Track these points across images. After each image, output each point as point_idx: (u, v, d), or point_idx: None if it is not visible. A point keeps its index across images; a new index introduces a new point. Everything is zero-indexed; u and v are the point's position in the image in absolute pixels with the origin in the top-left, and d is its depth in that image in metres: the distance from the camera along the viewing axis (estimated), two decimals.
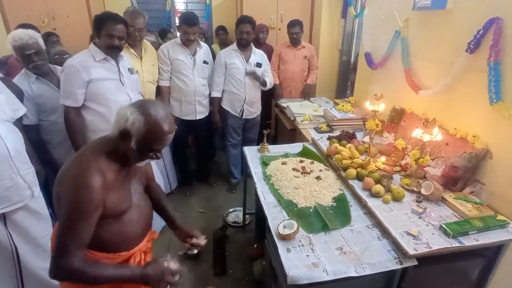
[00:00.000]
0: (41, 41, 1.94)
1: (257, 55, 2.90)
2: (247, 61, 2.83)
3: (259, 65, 2.88)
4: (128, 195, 1.14)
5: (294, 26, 3.26)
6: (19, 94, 1.80)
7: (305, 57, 3.42)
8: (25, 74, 1.96)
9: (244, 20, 2.73)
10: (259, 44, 3.66)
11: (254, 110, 3.02)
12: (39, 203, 1.67)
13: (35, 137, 1.91)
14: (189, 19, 2.55)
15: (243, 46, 2.79)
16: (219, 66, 2.79)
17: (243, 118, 2.97)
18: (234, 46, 2.85)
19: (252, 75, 2.82)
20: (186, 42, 2.61)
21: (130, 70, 2.05)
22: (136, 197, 1.17)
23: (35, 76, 1.96)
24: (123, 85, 1.96)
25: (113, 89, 1.92)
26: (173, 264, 1.10)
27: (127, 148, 1.03)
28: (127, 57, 2.21)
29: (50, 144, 2.07)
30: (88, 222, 0.97)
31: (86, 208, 0.96)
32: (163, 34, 3.62)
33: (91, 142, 1.15)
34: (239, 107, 2.92)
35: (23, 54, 1.88)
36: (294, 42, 3.34)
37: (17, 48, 1.86)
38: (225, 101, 2.92)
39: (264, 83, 2.92)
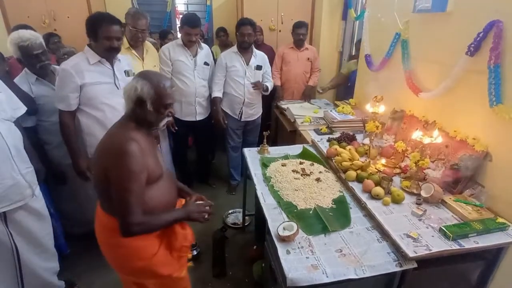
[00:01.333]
0: (43, 42, 1.96)
1: (258, 57, 2.88)
2: (247, 64, 2.82)
3: (259, 67, 2.86)
4: (158, 162, 1.30)
5: (301, 27, 3.27)
6: (29, 101, 1.80)
7: (308, 59, 3.42)
8: (25, 75, 1.96)
9: (244, 22, 2.72)
10: (257, 45, 3.67)
11: (253, 112, 2.99)
12: (39, 202, 1.68)
13: (33, 138, 1.91)
14: (191, 20, 2.55)
15: (245, 48, 2.78)
16: (220, 67, 2.78)
17: (242, 120, 2.96)
18: (234, 48, 2.83)
19: (257, 87, 2.82)
20: (188, 43, 2.62)
21: (127, 73, 2.03)
22: (164, 166, 1.34)
23: (35, 77, 1.95)
24: (118, 88, 1.94)
25: (107, 93, 1.90)
26: (201, 200, 1.39)
27: (146, 112, 1.20)
28: (129, 58, 2.21)
29: (51, 145, 2.07)
30: (139, 182, 1.14)
31: (134, 170, 1.12)
32: (164, 35, 3.63)
33: (115, 123, 1.27)
34: (238, 109, 2.90)
35: (31, 54, 1.86)
36: (299, 43, 3.34)
37: (25, 48, 1.84)
38: (224, 103, 2.91)
39: (265, 89, 2.91)
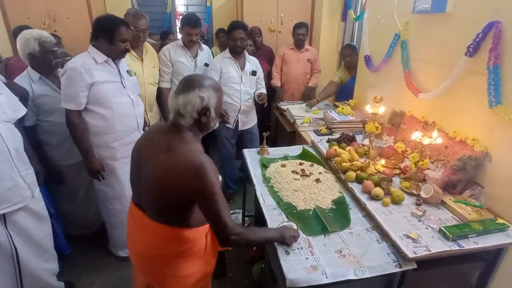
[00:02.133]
0: None
1: (252, 62, 2.76)
2: (242, 69, 2.69)
3: (254, 73, 2.75)
4: None
5: (301, 27, 3.28)
6: (23, 94, 1.80)
7: (309, 60, 3.43)
8: (27, 74, 1.96)
9: (236, 26, 2.59)
10: (256, 46, 3.68)
11: (248, 120, 2.86)
12: (39, 204, 1.68)
13: (32, 138, 1.90)
14: (192, 20, 2.56)
15: (237, 53, 2.64)
16: (214, 72, 2.61)
17: (238, 129, 2.81)
18: (227, 53, 2.68)
19: (262, 98, 2.69)
20: (188, 44, 2.62)
21: (129, 72, 2.05)
22: None
23: (38, 76, 1.96)
24: (124, 87, 1.96)
25: (116, 91, 1.91)
26: (294, 225, 1.39)
27: (210, 119, 1.20)
28: (127, 59, 2.22)
29: (49, 145, 2.06)
30: (221, 191, 1.13)
31: (215, 182, 1.10)
32: (165, 36, 3.64)
33: (164, 134, 1.19)
34: (233, 117, 2.74)
35: (49, 51, 1.93)
36: (299, 44, 3.35)
37: (46, 43, 1.90)
38: None
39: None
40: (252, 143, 2.89)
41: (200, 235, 1.25)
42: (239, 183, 3.04)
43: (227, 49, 2.68)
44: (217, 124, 1.31)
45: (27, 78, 1.95)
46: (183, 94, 1.13)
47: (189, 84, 1.15)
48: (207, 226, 1.27)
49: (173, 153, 1.11)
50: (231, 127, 2.79)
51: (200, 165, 1.07)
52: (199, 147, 1.18)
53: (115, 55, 1.89)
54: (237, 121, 2.78)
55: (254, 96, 2.76)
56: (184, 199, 1.13)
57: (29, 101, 1.91)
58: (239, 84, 2.68)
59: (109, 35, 1.81)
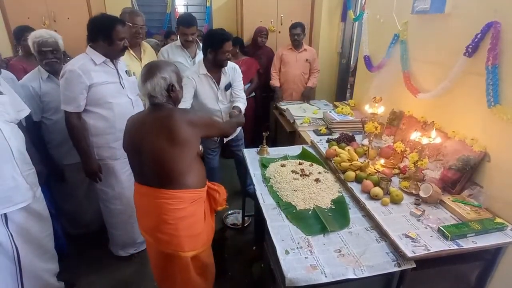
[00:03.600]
0: (61, 43, 2.05)
1: (229, 72, 2.36)
2: (219, 85, 2.33)
3: (228, 87, 2.38)
4: None
5: (296, 28, 3.29)
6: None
7: (307, 60, 3.43)
8: (38, 72, 2.02)
9: (227, 38, 2.19)
10: (258, 47, 3.68)
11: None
12: (40, 204, 1.68)
13: (36, 135, 1.92)
14: (186, 20, 2.55)
15: (221, 67, 2.29)
16: (189, 88, 2.20)
17: (223, 142, 2.59)
18: (202, 69, 2.25)
19: (237, 118, 2.05)
20: (185, 44, 2.62)
21: (128, 73, 2.05)
22: None
23: (47, 74, 2.01)
24: (123, 87, 1.96)
25: (115, 92, 1.92)
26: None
27: (177, 93, 1.46)
28: (125, 58, 2.22)
29: (50, 144, 2.08)
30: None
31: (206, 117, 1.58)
32: (167, 36, 3.66)
33: (154, 111, 1.44)
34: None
35: (40, 50, 1.97)
36: (296, 44, 3.35)
37: (36, 43, 1.95)
38: None
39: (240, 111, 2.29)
40: (239, 147, 2.67)
41: (200, 195, 1.52)
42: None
43: (200, 63, 2.27)
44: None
45: (38, 75, 2.02)
46: (149, 80, 1.36)
47: (150, 71, 1.39)
48: (205, 188, 1.56)
49: (170, 117, 1.37)
50: (215, 140, 2.54)
51: (188, 114, 1.44)
52: (182, 109, 1.50)
53: (115, 54, 1.89)
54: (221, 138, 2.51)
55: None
56: (188, 145, 1.40)
57: (35, 98, 1.97)
58: (216, 104, 2.37)
59: (107, 35, 1.81)
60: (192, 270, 1.56)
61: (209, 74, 2.26)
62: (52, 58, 1.98)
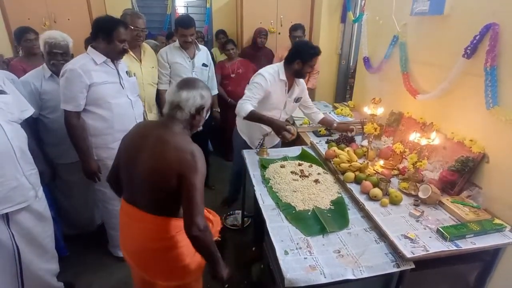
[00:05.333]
0: (71, 46, 2.06)
1: (301, 85, 2.31)
2: (290, 94, 2.25)
3: (298, 99, 2.35)
4: None
5: (297, 29, 3.30)
6: None
7: None
8: (41, 70, 2.03)
9: (318, 52, 2.10)
10: (258, 48, 3.69)
11: None
12: (42, 204, 1.68)
13: (32, 131, 1.91)
14: (184, 21, 2.55)
15: (303, 78, 2.26)
16: (262, 89, 2.11)
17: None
18: (282, 75, 2.16)
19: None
20: (184, 45, 2.62)
21: (128, 73, 2.06)
22: None
23: (50, 73, 2.02)
24: (123, 88, 1.97)
25: (114, 92, 1.92)
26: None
27: (201, 118, 1.31)
28: (126, 60, 2.23)
29: (45, 142, 2.07)
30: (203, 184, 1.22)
31: (203, 172, 1.20)
32: (169, 37, 3.66)
33: (158, 127, 1.28)
34: None
35: (50, 51, 1.98)
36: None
37: (48, 44, 1.96)
38: None
39: None
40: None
41: None
42: None
43: (280, 68, 2.18)
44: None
45: (41, 73, 2.03)
46: (187, 90, 1.23)
47: (193, 82, 1.27)
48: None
49: (167, 143, 1.20)
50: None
51: (192, 150, 1.19)
52: (189, 139, 1.26)
53: (114, 55, 1.90)
54: None
55: None
56: (176, 182, 1.18)
57: (35, 95, 1.98)
58: (281, 110, 2.30)
59: (108, 35, 1.83)
60: None
61: (286, 81, 2.20)
62: (60, 60, 2.00)
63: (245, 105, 2.02)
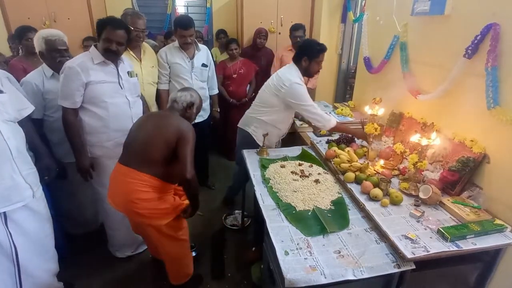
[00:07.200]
0: (66, 41, 2.07)
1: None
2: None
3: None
4: None
5: (298, 29, 3.29)
6: None
7: None
8: (42, 70, 2.03)
9: (324, 49, 2.12)
10: (257, 49, 3.68)
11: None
12: (41, 204, 1.68)
13: (39, 131, 1.92)
14: (183, 22, 2.54)
15: (312, 76, 2.33)
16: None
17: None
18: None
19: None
20: (184, 46, 2.62)
21: (130, 74, 2.06)
22: None
23: (51, 72, 2.01)
24: (121, 88, 1.96)
25: (111, 91, 1.92)
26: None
27: (192, 113, 1.85)
28: (125, 59, 2.23)
29: (51, 142, 2.08)
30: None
31: (193, 143, 1.67)
32: (168, 36, 3.65)
33: (169, 113, 1.80)
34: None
35: (55, 49, 1.97)
36: (297, 45, 3.35)
37: (52, 41, 1.96)
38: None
39: None
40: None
41: (165, 188, 1.72)
42: None
43: (297, 71, 2.17)
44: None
45: (41, 73, 2.02)
46: (181, 91, 1.83)
47: (187, 88, 1.90)
48: (171, 186, 1.77)
49: (169, 117, 1.73)
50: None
51: (190, 127, 1.70)
52: (183, 120, 1.74)
53: (102, 54, 1.89)
54: None
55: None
56: (174, 142, 1.63)
57: (38, 95, 1.98)
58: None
59: (98, 33, 1.88)
60: (165, 233, 1.76)
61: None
62: (66, 56, 2.01)
63: (329, 118, 2.12)
